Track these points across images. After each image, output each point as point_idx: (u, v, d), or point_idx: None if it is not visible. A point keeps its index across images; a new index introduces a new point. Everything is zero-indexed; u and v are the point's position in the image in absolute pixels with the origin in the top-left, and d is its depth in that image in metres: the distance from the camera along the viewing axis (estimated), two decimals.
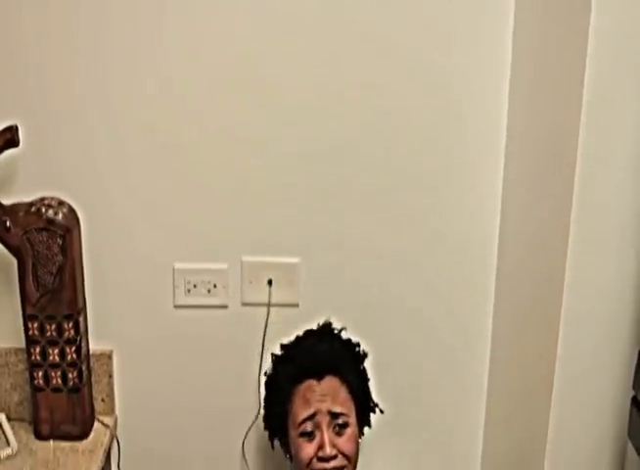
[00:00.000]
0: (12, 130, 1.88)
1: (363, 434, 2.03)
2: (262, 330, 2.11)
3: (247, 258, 2.07)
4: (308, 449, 1.88)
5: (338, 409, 1.89)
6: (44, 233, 1.88)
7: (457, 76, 1.97)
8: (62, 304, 1.94)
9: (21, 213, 1.89)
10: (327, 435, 1.88)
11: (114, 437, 2.14)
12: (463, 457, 2.29)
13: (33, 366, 2.00)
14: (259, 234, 2.06)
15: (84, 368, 2.03)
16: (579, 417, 1.85)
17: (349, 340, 2.04)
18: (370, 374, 2.04)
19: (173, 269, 2.07)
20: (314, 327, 2.05)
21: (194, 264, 2.07)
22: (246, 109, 1.97)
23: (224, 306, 2.10)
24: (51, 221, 1.88)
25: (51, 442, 2.06)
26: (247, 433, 2.19)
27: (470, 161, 2.04)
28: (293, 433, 1.93)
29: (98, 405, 2.14)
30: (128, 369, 2.15)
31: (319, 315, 2.10)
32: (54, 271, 1.91)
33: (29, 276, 1.91)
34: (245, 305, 2.10)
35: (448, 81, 1.97)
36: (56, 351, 1.98)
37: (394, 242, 2.08)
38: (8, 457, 1.99)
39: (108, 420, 2.13)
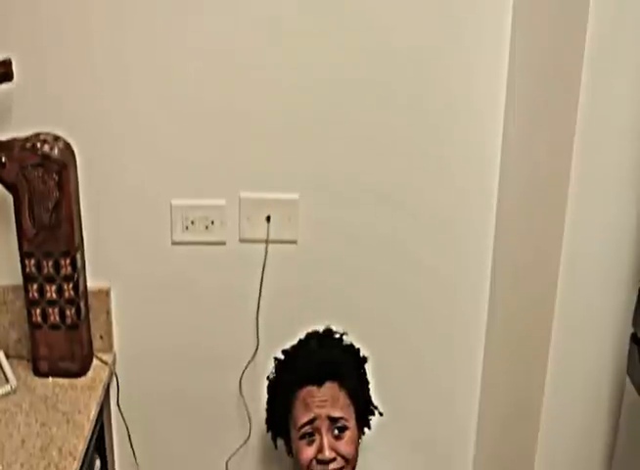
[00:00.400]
0: (5, 64, 1.85)
1: (363, 434, 2.09)
2: (260, 267, 2.10)
3: (245, 194, 2.05)
4: (308, 452, 1.95)
5: (337, 414, 1.96)
6: (40, 169, 1.86)
7: (462, 11, 1.94)
8: (58, 240, 1.93)
9: (16, 149, 1.86)
10: (326, 439, 1.94)
11: (112, 374, 2.14)
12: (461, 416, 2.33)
13: (31, 304, 2.00)
14: (258, 170, 2.03)
15: (82, 305, 2.02)
16: (579, 355, 1.86)
17: (350, 345, 2.09)
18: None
19: (171, 206, 2.05)
20: (317, 330, 2.09)
21: (191, 201, 2.05)
22: (245, 42, 1.94)
23: (222, 243, 2.09)
24: (47, 157, 1.85)
25: (50, 379, 2.06)
26: (244, 370, 2.19)
27: (472, 97, 2.01)
28: (294, 435, 2.00)
29: (96, 343, 2.14)
30: (126, 306, 2.14)
31: (317, 252, 2.10)
32: (50, 208, 1.89)
33: (26, 213, 1.89)
34: (243, 241, 2.09)
35: (454, 16, 1.94)
36: (53, 288, 1.97)
37: (395, 180, 2.06)
38: (7, 394, 1.99)
39: (106, 357, 2.13)
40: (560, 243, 1.78)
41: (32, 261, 1.95)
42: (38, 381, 2.06)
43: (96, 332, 2.13)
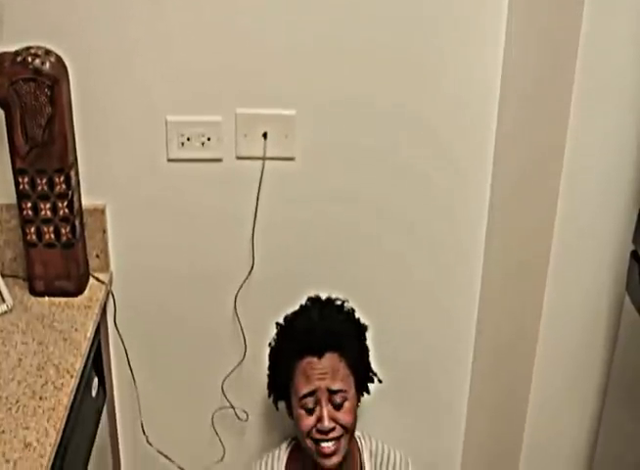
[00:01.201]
0: None
1: (363, 396, 2.12)
2: (257, 184, 2.07)
3: (241, 110, 2.01)
4: (308, 421, 1.99)
5: (337, 386, 1.97)
6: (31, 84, 1.82)
7: None
8: (52, 157, 1.90)
9: (6, 63, 1.82)
10: (326, 410, 1.97)
11: (109, 293, 2.13)
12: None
13: (25, 222, 1.97)
14: (255, 85, 1.99)
15: (77, 223, 2.00)
16: (578, 272, 1.85)
17: (351, 313, 2.09)
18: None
19: (166, 122, 2.01)
20: (318, 296, 2.10)
21: (187, 117, 2.01)
22: None
23: (218, 160, 2.05)
24: (38, 71, 1.81)
25: (46, 298, 2.05)
26: (239, 289, 2.17)
27: (471, 39, 1.96)
28: (294, 402, 2.02)
29: (92, 262, 2.12)
30: (122, 225, 2.12)
31: (315, 169, 2.07)
32: (43, 124, 1.85)
33: (18, 129, 1.86)
34: (239, 158, 2.05)
35: None
36: (47, 205, 1.95)
37: (394, 99, 2.01)
38: (3, 313, 1.98)
39: (103, 276, 2.11)
40: (560, 162, 1.77)
41: (26, 179, 1.92)
42: (34, 300, 2.05)
43: (92, 251, 2.11)
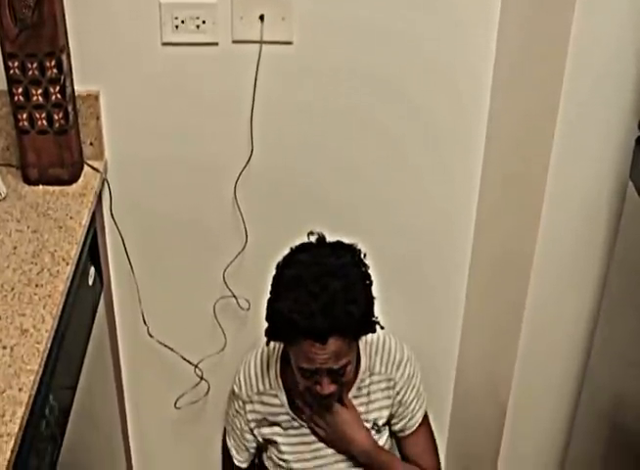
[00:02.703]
0: None
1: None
2: (254, 69, 2.01)
3: None
4: (306, 382, 1.94)
5: (339, 365, 1.89)
6: None
7: None
8: (42, 40, 1.84)
9: None
10: (326, 380, 1.91)
11: (104, 181, 2.09)
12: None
13: (17, 108, 1.93)
14: None
15: (70, 109, 1.95)
16: (581, 157, 1.81)
17: (356, 273, 1.90)
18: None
19: (159, 4, 1.93)
20: (321, 259, 1.89)
21: None
22: None
23: (214, 44, 1.99)
24: None
25: (40, 186, 2.02)
26: (238, 176, 2.13)
27: None
28: (292, 362, 1.94)
29: (87, 149, 2.08)
30: (117, 112, 2.07)
31: (313, 53, 2.01)
32: (32, 4, 1.79)
33: (6, 10, 1.79)
34: (235, 42, 1.99)
35: None
36: (39, 91, 1.90)
37: (393, 25, 1.97)
38: None
39: (97, 164, 2.08)
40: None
41: (16, 63, 1.87)
42: (28, 189, 2.02)
43: (86, 139, 2.07)
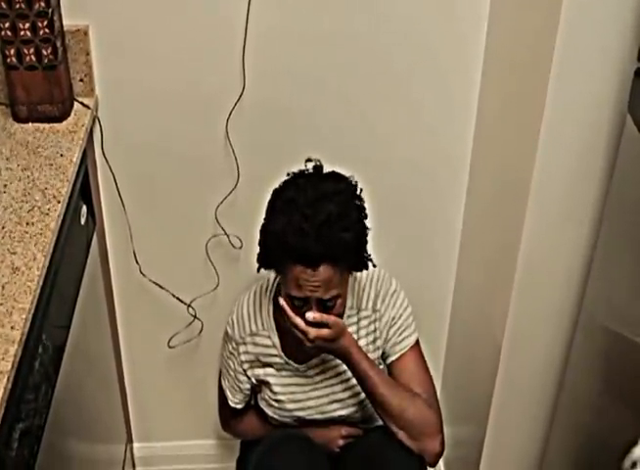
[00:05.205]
0: None
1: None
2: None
3: None
4: (295, 311, 1.91)
5: (329, 296, 1.88)
6: None
7: None
8: None
9: None
10: (315, 308, 1.89)
11: (95, 118, 2.06)
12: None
13: (4, 43, 1.89)
14: None
15: (59, 44, 1.92)
16: (579, 86, 1.78)
17: (351, 202, 1.89)
18: None
19: None
20: (316, 186, 1.87)
21: None
22: None
23: None
24: None
25: (30, 124, 1.99)
26: (231, 111, 2.10)
27: None
28: (282, 290, 1.93)
29: (77, 86, 2.04)
30: (107, 47, 2.03)
31: None
32: None
33: None
34: None
35: None
36: (27, 25, 1.87)
37: None
38: None
39: (88, 101, 2.04)
40: None
41: None
42: (18, 126, 1.99)
43: (76, 75, 2.03)
